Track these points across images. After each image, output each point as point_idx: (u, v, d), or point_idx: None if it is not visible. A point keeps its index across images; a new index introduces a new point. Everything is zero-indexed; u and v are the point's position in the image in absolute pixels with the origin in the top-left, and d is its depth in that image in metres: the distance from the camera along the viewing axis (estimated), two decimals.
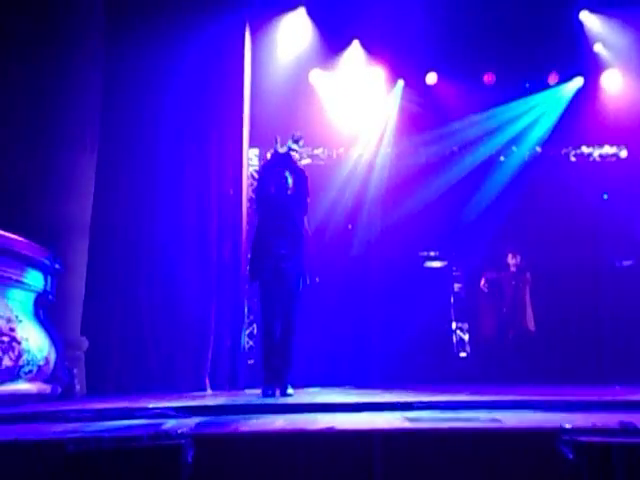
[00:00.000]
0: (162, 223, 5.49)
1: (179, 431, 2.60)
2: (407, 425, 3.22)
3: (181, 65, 6.05)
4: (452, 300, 7.89)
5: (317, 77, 8.13)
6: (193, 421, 3.06)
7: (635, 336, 7.49)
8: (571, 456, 2.92)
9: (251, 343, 7.31)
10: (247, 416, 3.31)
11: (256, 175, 8.28)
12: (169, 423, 3.00)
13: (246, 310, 7.43)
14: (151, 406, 3.38)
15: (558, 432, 3.01)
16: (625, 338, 7.43)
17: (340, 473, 3.03)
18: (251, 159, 8.26)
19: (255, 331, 7.48)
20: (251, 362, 7.27)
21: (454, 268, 8.03)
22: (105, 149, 5.51)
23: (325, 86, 8.16)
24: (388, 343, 6.87)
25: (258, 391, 4.62)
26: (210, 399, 4.41)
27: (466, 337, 7.70)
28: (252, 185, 8.25)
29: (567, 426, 3.03)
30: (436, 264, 8.04)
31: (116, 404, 3.73)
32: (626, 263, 7.96)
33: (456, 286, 7.93)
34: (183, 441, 2.49)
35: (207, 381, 5.24)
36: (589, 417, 3.49)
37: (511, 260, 7.33)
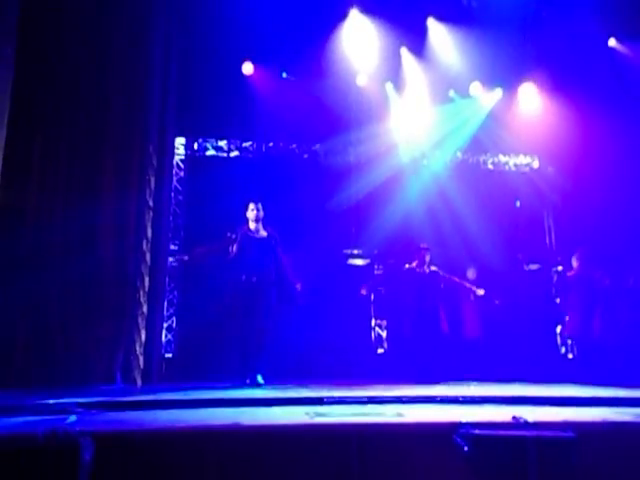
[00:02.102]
0: (77, 209, 5.24)
1: (78, 428, 2.52)
2: (316, 420, 3.30)
3: (107, 49, 5.80)
4: (372, 297, 8.10)
5: (250, 69, 8.05)
6: (96, 417, 2.97)
7: (542, 336, 8.06)
8: (466, 448, 3.11)
9: (169, 337, 7.18)
10: (152, 412, 3.25)
11: (181, 164, 8.13)
12: (70, 419, 2.90)
13: (165, 303, 7.29)
14: (52, 402, 3.25)
15: (455, 426, 3.19)
16: (534, 338, 7.93)
17: (246, 468, 3.05)
18: (177, 148, 8.08)
19: (174, 324, 7.35)
20: (169, 356, 7.15)
21: (376, 266, 8.23)
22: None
23: (257, 79, 8.11)
24: (307, 339, 6.96)
25: (172, 385, 4.54)
26: (117, 394, 4.29)
27: (384, 334, 7.93)
28: (177, 175, 8.10)
29: (463, 420, 3.22)
30: (358, 262, 8.22)
31: (16, 399, 3.54)
32: (533, 267, 8.50)
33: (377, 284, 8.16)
34: (82, 439, 2.41)
35: (119, 375, 5.09)
36: (486, 411, 3.73)
37: (427, 257, 7.62)
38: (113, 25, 5.85)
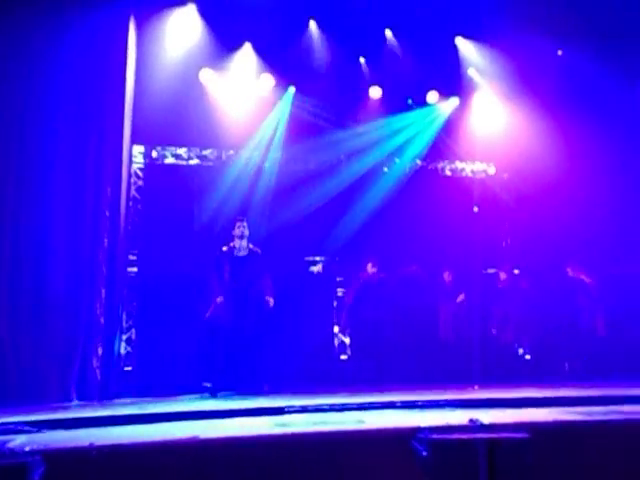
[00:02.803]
0: (28, 224, 5.07)
1: (27, 448, 2.45)
2: (276, 431, 3.29)
3: (58, 56, 5.66)
4: (335, 304, 8.13)
5: (207, 77, 8.00)
6: (46, 436, 2.88)
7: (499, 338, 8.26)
8: (424, 453, 3.16)
9: (129, 349, 7.01)
10: (108, 428, 3.17)
11: (140, 173, 7.99)
12: (19, 439, 2.80)
13: (124, 315, 7.12)
14: (1, 421, 3.13)
15: (414, 431, 3.23)
16: (494, 341, 8.10)
17: None
18: (135, 156, 7.93)
19: (134, 336, 7.19)
20: (128, 369, 6.97)
21: (337, 275, 8.27)
22: None
23: (216, 86, 8.06)
24: (270, 346, 6.91)
25: (130, 400, 4.44)
26: (70, 411, 4.16)
27: (347, 340, 7.96)
28: (135, 184, 7.94)
29: (422, 425, 3.27)
30: (320, 269, 8.24)
31: None
32: (491, 271, 8.70)
33: (339, 290, 8.18)
34: (30, 458, 2.34)
35: (74, 391, 4.93)
36: (444, 415, 3.79)
37: (371, 269, 7.78)
38: (65, 30, 5.72)
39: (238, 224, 6.18)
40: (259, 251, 6.32)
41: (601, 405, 4.21)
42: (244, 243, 6.17)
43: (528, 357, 8.33)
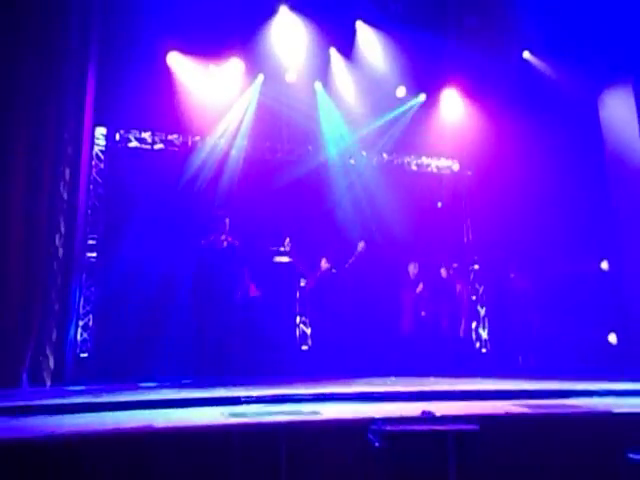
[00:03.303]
0: None
1: None
2: (230, 421, 3.29)
3: (16, 32, 5.43)
4: (298, 295, 8.14)
5: (175, 61, 7.84)
6: None
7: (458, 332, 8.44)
8: (377, 444, 3.22)
9: (85, 335, 6.87)
10: (58, 416, 3.11)
11: (102, 156, 7.79)
12: None
13: (82, 301, 6.97)
14: None
15: (368, 422, 3.29)
16: (451, 333, 8.27)
17: (160, 471, 2.99)
18: (97, 138, 7.73)
19: (91, 322, 7.04)
20: (84, 355, 6.84)
21: (301, 265, 8.27)
22: None
23: (183, 70, 7.91)
24: (231, 336, 6.88)
25: (84, 387, 4.36)
26: (23, 397, 4.06)
27: (309, 331, 8.00)
28: (96, 167, 7.74)
29: (376, 416, 3.33)
30: (284, 259, 8.24)
31: None
32: (455, 265, 8.86)
33: (302, 281, 8.19)
34: None
35: (25, 377, 4.80)
36: (399, 407, 3.86)
37: (324, 264, 7.86)
38: (26, 6, 5.50)
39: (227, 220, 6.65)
40: (239, 244, 6.74)
41: (549, 398, 4.37)
42: (223, 237, 6.70)
43: (484, 351, 8.57)
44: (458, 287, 8.23)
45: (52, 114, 5.66)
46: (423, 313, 7.96)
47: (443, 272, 8.28)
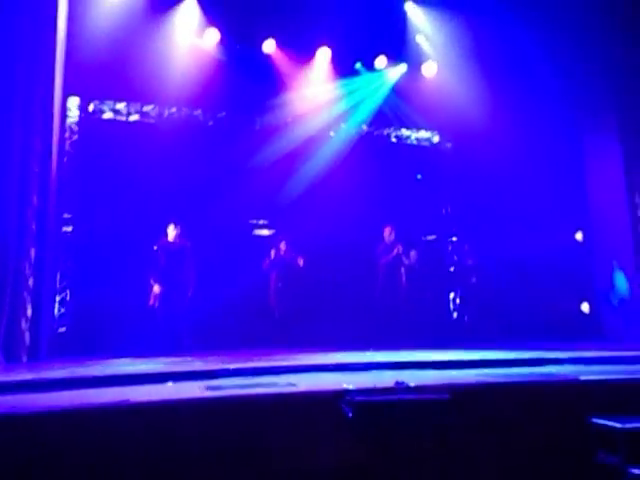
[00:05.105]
0: None
1: None
2: (206, 394, 3.32)
3: None
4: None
5: (151, 28, 7.60)
6: None
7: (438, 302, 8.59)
8: (350, 415, 3.28)
9: (63, 310, 6.83)
10: (33, 393, 3.11)
11: (75, 127, 7.61)
12: None
13: (58, 276, 6.90)
14: None
15: (342, 393, 3.34)
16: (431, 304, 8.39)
17: (135, 446, 3.01)
18: (70, 109, 7.54)
19: (68, 297, 7.00)
20: (62, 330, 6.81)
21: (281, 237, 8.24)
22: None
23: (159, 39, 7.68)
24: (208, 308, 6.90)
25: (61, 363, 4.34)
26: None
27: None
28: (70, 138, 7.57)
29: (349, 387, 3.38)
30: (264, 232, 8.22)
31: None
32: (430, 238, 8.95)
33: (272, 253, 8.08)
34: None
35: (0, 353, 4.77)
36: (373, 377, 3.93)
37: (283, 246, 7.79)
38: None
39: (172, 227, 6.84)
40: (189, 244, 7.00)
41: (520, 367, 4.49)
42: (176, 239, 6.91)
43: (455, 315, 8.69)
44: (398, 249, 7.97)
45: (20, 83, 5.47)
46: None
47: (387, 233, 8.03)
